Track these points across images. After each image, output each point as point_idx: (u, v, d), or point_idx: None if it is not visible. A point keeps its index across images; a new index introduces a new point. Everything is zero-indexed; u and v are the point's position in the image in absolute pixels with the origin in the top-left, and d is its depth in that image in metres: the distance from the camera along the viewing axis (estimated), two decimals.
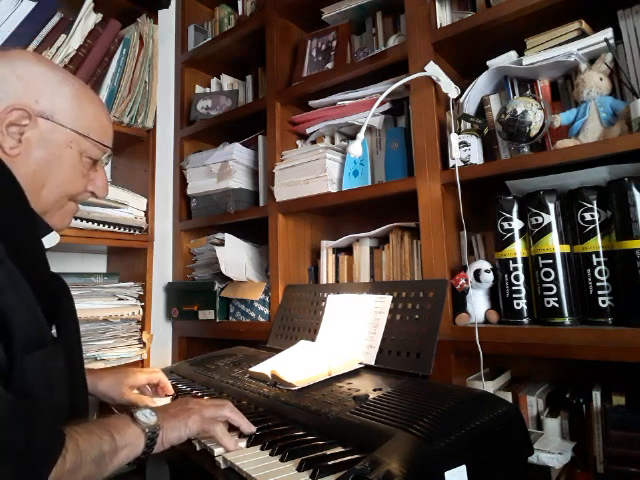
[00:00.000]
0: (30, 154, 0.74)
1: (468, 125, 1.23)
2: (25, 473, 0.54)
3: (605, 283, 0.99)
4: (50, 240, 0.78)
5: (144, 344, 1.58)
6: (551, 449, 0.94)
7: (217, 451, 0.75)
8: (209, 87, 1.99)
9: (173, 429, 0.74)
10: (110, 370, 1.13)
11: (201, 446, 0.78)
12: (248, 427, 0.80)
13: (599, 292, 0.99)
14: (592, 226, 1.01)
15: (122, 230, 1.55)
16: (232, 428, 0.81)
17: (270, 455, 0.72)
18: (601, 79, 1.03)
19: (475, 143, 1.18)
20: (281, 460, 0.70)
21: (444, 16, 1.29)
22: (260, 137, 1.68)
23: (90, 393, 1.02)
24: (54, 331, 0.74)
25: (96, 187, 0.87)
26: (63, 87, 0.79)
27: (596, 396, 1.00)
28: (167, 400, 1.07)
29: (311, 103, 1.56)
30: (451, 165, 1.17)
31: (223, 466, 0.72)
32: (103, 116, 0.86)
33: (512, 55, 1.18)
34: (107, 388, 1.02)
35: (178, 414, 0.77)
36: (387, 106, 1.41)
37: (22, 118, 0.73)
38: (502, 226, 1.11)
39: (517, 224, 1.10)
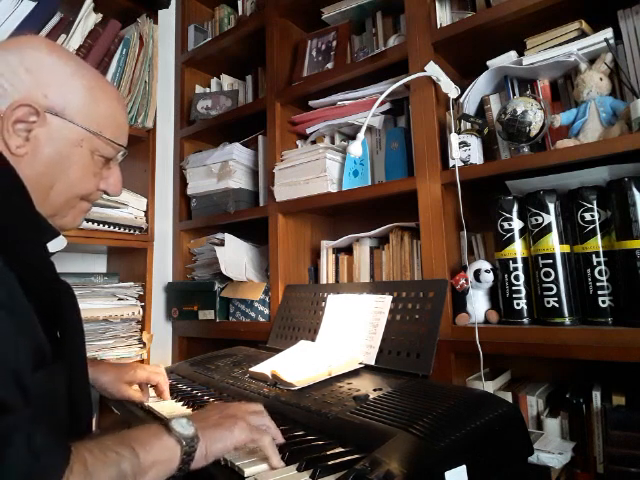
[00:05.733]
0: (37, 153, 0.69)
1: (468, 125, 1.23)
2: None
3: (605, 283, 0.99)
4: (56, 245, 0.73)
5: (144, 344, 1.58)
6: (551, 449, 0.94)
7: (248, 472, 0.65)
8: (209, 87, 1.99)
9: (217, 439, 0.64)
10: (114, 364, 1.10)
11: (226, 463, 0.68)
12: (281, 438, 0.73)
13: (599, 292, 0.99)
14: (592, 226, 1.01)
15: (122, 230, 1.55)
16: None
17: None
18: (601, 79, 1.03)
19: (475, 143, 1.18)
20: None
21: (444, 16, 1.29)
22: (260, 137, 1.68)
23: (91, 385, 1.00)
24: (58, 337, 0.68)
25: (108, 185, 0.81)
26: (75, 80, 0.72)
27: (596, 396, 1.00)
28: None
29: (311, 103, 1.56)
30: (451, 165, 1.17)
31: None
32: (118, 112, 0.78)
33: (512, 55, 1.18)
34: (107, 384, 1.00)
35: (221, 422, 0.67)
36: (387, 106, 1.41)
37: (29, 115, 0.67)
38: (502, 226, 1.11)
39: (517, 224, 1.10)
